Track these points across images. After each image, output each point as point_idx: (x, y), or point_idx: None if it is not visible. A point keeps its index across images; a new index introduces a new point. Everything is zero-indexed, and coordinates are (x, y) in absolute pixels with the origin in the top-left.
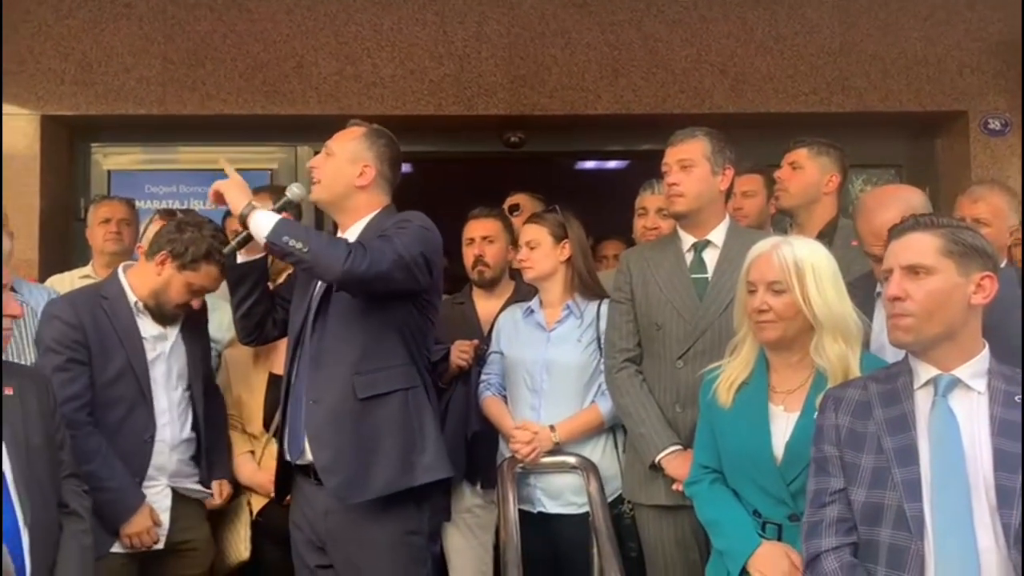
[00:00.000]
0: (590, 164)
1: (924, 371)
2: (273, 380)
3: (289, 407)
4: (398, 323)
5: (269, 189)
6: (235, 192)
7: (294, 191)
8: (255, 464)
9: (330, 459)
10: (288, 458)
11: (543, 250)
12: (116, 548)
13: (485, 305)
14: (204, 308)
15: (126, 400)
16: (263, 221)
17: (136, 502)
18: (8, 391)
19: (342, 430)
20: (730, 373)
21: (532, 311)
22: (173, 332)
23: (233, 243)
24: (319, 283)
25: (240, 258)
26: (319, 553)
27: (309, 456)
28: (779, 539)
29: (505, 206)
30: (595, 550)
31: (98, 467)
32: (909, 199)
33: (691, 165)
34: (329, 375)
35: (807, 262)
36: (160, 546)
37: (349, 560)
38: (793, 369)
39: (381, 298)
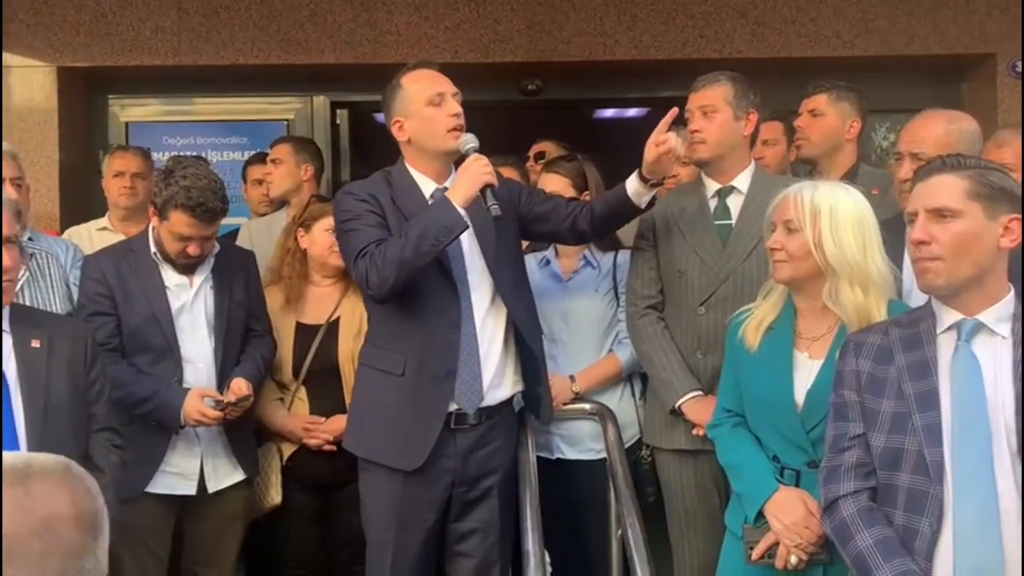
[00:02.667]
0: (609, 112)
1: (947, 316)
2: (300, 329)
3: (463, 356)
4: None
5: (289, 139)
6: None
7: (475, 140)
8: (286, 411)
9: (540, 391)
10: (461, 408)
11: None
12: (156, 489)
13: None
14: (249, 257)
15: (153, 348)
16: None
17: (179, 398)
18: (36, 344)
19: (540, 366)
20: (760, 315)
21: (548, 261)
22: (198, 281)
23: (494, 202)
24: (470, 231)
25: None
26: (438, 508)
27: (487, 400)
28: (797, 485)
29: (531, 154)
30: (612, 495)
31: (130, 387)
32: (960, 120)
33: (713, 111)
34: (529, 318)
35: (825, 204)
36: (192, 492)
37: (485, 493)
38: (818, 316)
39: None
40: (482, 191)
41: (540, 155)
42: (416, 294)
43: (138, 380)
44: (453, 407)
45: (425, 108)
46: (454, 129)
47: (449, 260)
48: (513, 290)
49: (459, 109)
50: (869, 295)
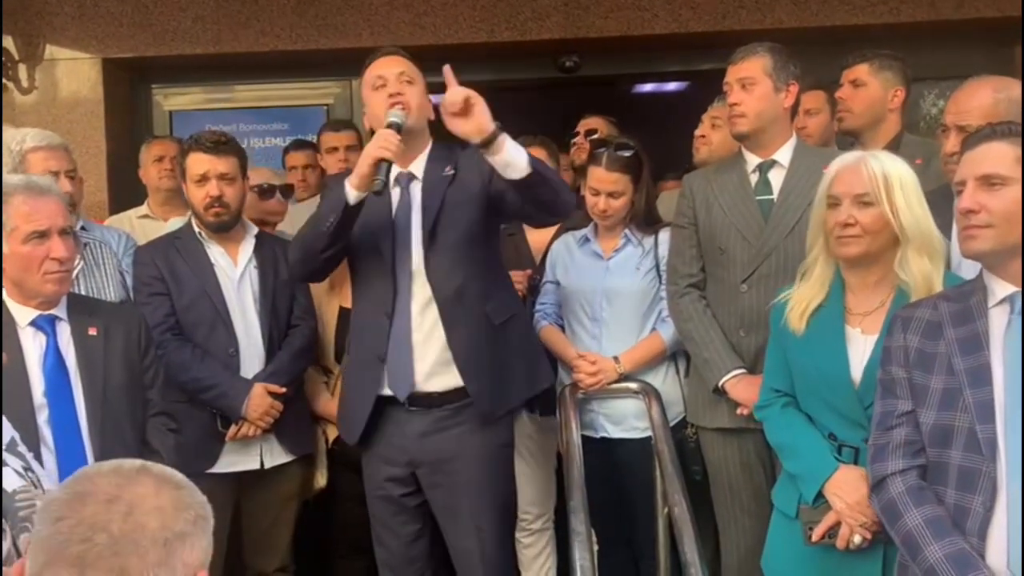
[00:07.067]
0: (648, 87)
1: (1000, 288)
2: (343, 313)
3: (392, 343)
4: (497, 250)
5: (332, 125)
6: (485, 108)
7: (399, 115)
8: (329, 395)
9: (479, 385)
10: (392, 393)
11: (626, 198)
12: (215, 469)
13: (536, 235)
14: (282, 244)
15: (205, 321)
16: (514, 146)
17: (245, 388)
18: (93, 331)
19: (485, 355)
20: (801, 298)
21: (588, 240)
22: (243, 261)
23: (381, 177)
24: (397, 214)
25: (354, 198)
26: (403, 483)
27: (421, 387)
28: (855, 463)
29: (580, 131)
30: (658, 474)
31: (196, 371)
32: (1009, 87)
33: (752, 83)
34: (462, 306)
35: (895, 174)
36: (256, 467)
37: (447, 477)
38: (871, 289)
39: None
40: (376, 165)
41: (590, 132)
42: (358, 281)
43: (204, 365)
44: (387, 391)
45: (369, 93)
46: (392, 106)
47: (393, 246)
48: (448, 279)
49: (399, 88)
50: (934, 263)
